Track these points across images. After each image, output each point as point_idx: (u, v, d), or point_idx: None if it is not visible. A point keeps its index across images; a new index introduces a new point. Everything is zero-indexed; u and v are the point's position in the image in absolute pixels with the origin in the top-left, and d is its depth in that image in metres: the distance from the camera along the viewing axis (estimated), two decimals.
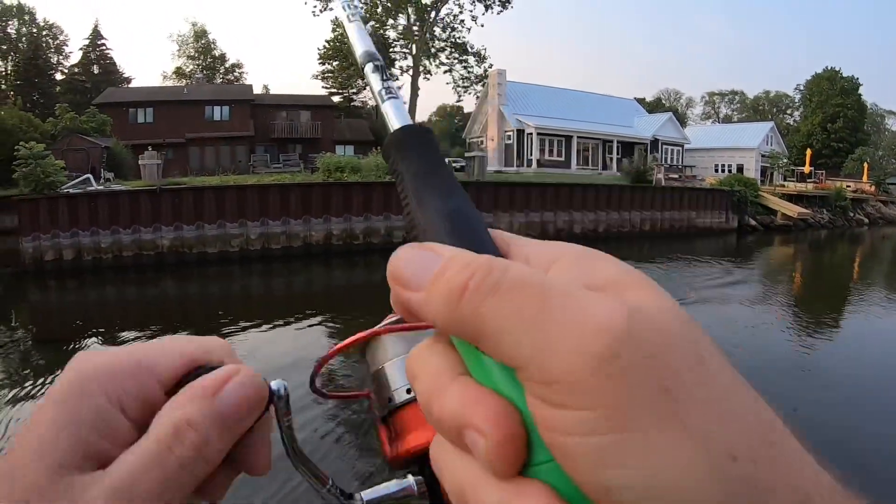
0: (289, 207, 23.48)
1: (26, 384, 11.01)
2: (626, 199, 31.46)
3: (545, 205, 28.47)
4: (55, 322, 14.87)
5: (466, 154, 33.82)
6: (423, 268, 0.32)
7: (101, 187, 25.47)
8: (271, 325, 14.69)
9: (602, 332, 0.27)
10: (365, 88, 62.02)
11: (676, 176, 38.88)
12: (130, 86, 64.27)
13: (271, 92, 56.00)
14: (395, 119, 0.46)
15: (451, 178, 0.43)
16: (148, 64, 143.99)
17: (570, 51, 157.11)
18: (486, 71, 53.78)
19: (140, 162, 28.85)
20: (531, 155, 44.20)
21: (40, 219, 22.36)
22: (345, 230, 24.06)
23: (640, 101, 60.33)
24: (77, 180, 25.37)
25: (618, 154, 47.78)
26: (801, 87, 77.72)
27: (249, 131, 47.75)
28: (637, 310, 0.28)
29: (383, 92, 0.50)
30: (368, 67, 0.53)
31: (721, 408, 0.27)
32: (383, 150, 0.46)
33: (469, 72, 54.33)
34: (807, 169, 47.03)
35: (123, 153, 40.41)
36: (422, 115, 56.26)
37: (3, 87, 62.08)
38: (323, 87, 65.11)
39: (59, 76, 67.37)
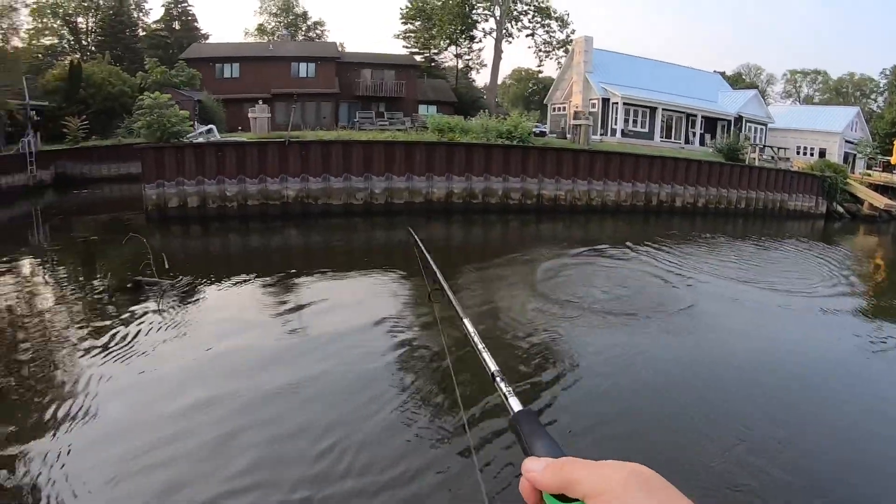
0: (412, 164, 23.81)
1: (155, 322, 11.85)
2: (725, 176, 31.27)
3: (651, 176, 28.43)
4: (179, 265, 15.40)
5: (572, 122, 33.79)
6: (540, 462, 0.81)
7: (226, 138, 26.05)
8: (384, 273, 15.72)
9: (626, 471, 0.69)
10: (447, 49, 62.01)
11: (769, 157, 38.30)
12: (209, 42, 64.90)
13: (347, 50, 55.80)
14: (515, 405, 1.08)
15: (543, 430, 0.96)
16: (227, 21, 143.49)
17: (650, 18, 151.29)
18: (568, 36, 53.31)
19: (250, 115, 29.38)
20: (615, 124, 43.84)
21: (166, 167, 22.93)
22: (465, 189, 24.35)
23: (721, 74, 58.88)
24: (201, 130, 25.89)
25: (701, 129, 47.19)
26: (888, 72, 75.28)
27: (335, 88, 48.08)
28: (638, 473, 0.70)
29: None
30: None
31: None
32: (511, 422, 1.05)
33: (551, 36, 53.95)
34: (894, 159, 45.78)
35: (214, 107, 41.09)
36: (498, 78, 55.73)
37: (86, 43, 62.92)
38: (404, 46, 65.12)
39: (140, 32, 68.10)
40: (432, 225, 23.55)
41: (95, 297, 13.98)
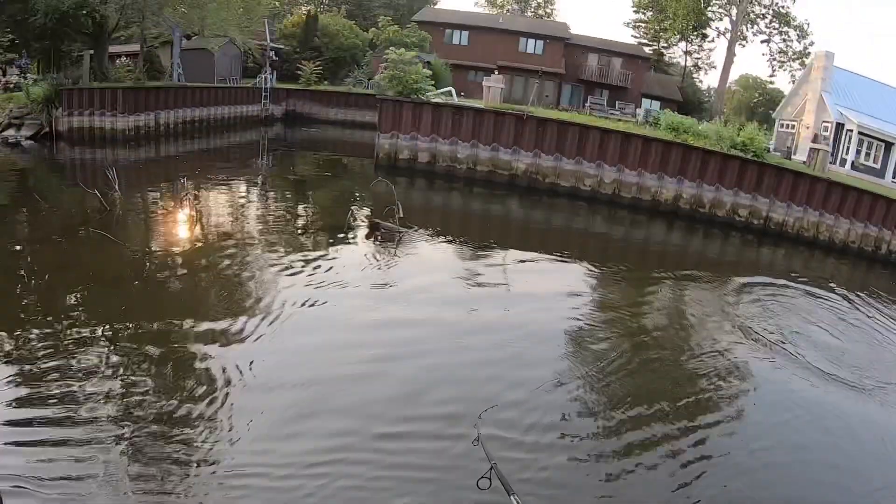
0: (646, 161, 23.48)
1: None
2: None
3: (885, 220, 26.16)
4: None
5: (811, 145, 31.95)
6: None
7: (464, 102, 26.86)
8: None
9: None
10: (677, 44, 60.23)
11: None
12: (439, 7, 66.60)
13: (573, 32, 55.48)
14: None
15: None
16: None
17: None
18: (805, 48, 50.07)
19: (484, 83, 29.89)
20: (846, 154, 40.72)
21: (402, 120, 24.08)
22: (694, 196, 23.72)
23: None
24: (442, 91, 26.83)
25: None
26: None
27: (560, 69, 48.13)
28: None
29: None
30: None
31: None
32: None
33: (788, 45, 50.91)
34: None
35: (443, 71, 42.32)
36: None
37: None
38: (632, 35, 63.95)
39: None
40: (655, 226, 23.16)
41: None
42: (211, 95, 31.93)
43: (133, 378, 7.43)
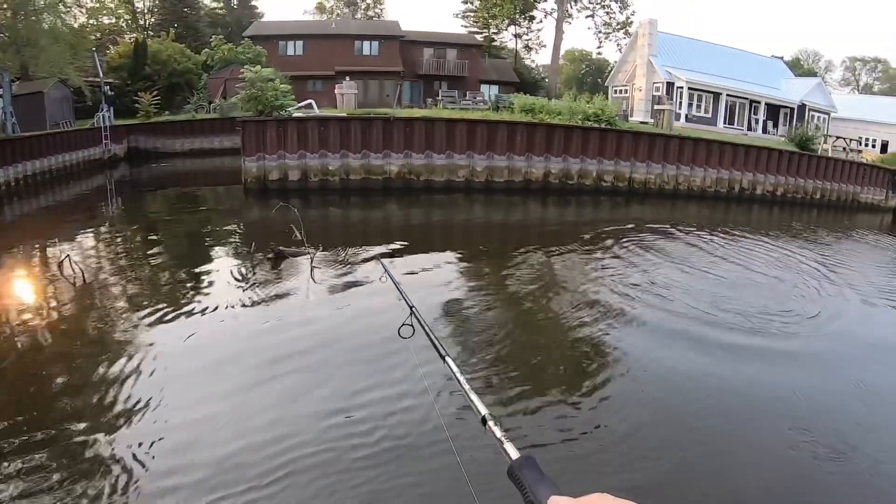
0: (513, 144, 24.11)
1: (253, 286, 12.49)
2: (804, 166, 31.17)
3: (734, 163, 28.45)
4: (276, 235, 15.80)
5: (656, 107, 33.85)
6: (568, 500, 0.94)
7: (325, 112, 26.42)
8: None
9: None
10: (506, 29, 61.98)
11: (841, 148, 38.05)
12: (268, 20, 65.08)
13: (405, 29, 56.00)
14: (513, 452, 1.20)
15: (547, 478, 1.09)
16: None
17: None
18: (628, 18, 53.07)
19: (337, 91, 29.69)
20: (679, 109, 43.60)
21: (267, 140, 23.31)
22: (562, 170, 24.64)
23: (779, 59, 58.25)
24: (302, 104, 26.29)
25: (763, 116, 46.89)
26: None
27: (398, 67, 48.31)
28: None
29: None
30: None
31: None
32: (510, 470, 1.14)
33: (611, 18, 53.65)
34: None
35: (285, 84, 41.55)
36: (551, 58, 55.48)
37: (143, 22, 63.02)
38: (462, 25, 65.18)
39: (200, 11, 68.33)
40: (530, 204, 23.93)
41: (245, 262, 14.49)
42: (49, 143, 29.44)
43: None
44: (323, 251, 15.03)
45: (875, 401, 8.64)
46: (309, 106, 26.60)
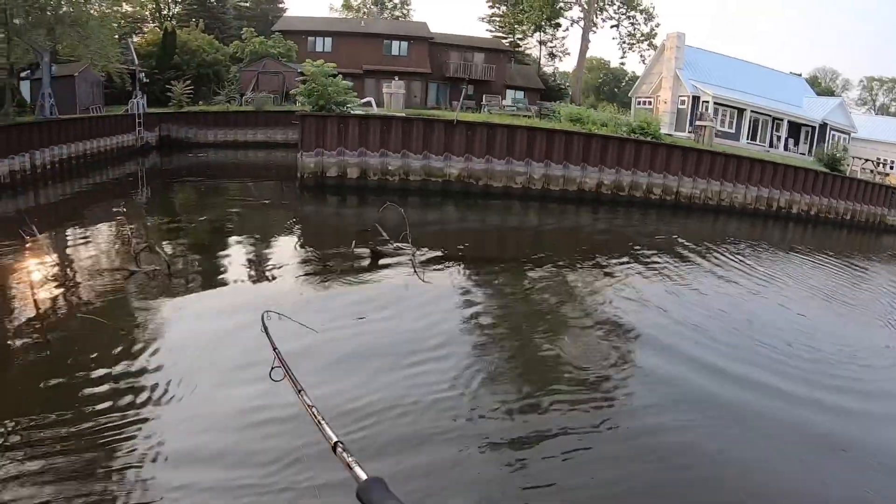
0: (570, 154, 24.45)
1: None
2: (836, 187, 31.63)
3: (773, 182, 28.87)
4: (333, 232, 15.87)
5: (697, 122, 34.27)
6: None
7: (383, 112, 26.54)
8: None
9: None
10: (531, 35, 62.26)
11: (868, 170, 38.58)
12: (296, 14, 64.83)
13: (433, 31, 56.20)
14: (361, 473, 1.33)
15: (389, 492, 1.23)
16: None
17: (726, 17, 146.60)
18: (652, 30, 53.49)
19: (385, 91, 29.81)
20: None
21: (327, 136, 23.38)
22: (614, 181, 25.05)
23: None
24: (362, 101, 26.42)
25: (785, 133, 47.41)
26: None
27: (426, 68, 48.51)
28: None
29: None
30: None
31: None
32: (358, 492, 1.24)
33: (636, 28, 54.05)
34: None
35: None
36: (571, 67, 55.91)
37: (167, 12, 62.40)
38: (487, 30, 65.45)
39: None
40: (581, 213, 24.27)
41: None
42: (86, 128, 29.40)
43: None
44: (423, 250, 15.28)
45: None
46: (368, 104, 26.77)
